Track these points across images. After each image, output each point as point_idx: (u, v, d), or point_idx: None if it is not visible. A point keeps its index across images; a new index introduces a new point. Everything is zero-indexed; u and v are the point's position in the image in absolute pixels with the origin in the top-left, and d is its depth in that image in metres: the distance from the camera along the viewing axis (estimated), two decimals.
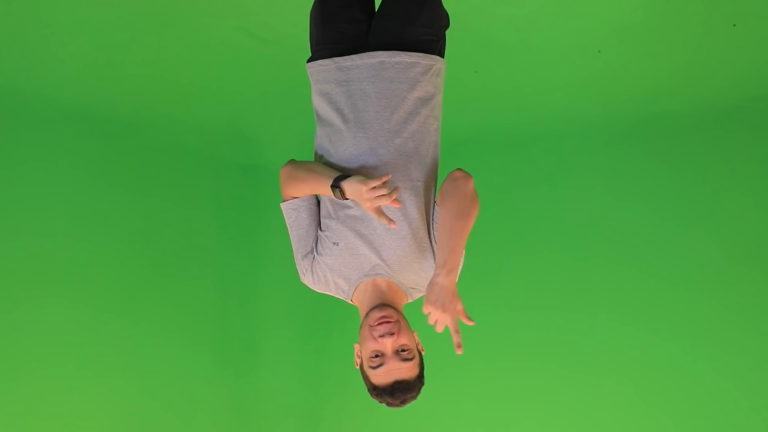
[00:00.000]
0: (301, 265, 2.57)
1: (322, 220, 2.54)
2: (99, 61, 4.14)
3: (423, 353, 2.49)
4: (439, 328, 2.26)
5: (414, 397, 2.42)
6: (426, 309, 2.26)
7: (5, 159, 4.29)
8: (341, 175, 2.39)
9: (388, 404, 2.42)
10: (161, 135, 5.01)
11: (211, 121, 5.04)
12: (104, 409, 4.60)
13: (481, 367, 5.01)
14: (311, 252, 2.54)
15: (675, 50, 4.07)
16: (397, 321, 2.39)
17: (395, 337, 2.36)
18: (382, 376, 2.39)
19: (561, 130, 4.97)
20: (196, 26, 3.90)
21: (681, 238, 4.62)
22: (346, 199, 2.37)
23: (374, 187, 2.26)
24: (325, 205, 2.54)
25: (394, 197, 2.25)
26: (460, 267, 2.39)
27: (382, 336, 2.36)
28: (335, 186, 2.36)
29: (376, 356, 2.38)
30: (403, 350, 2.37)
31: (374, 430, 5.23)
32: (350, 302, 2.57)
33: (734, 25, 3.80)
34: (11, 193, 4.29)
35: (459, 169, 2.47)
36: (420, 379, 2.42)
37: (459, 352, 2.19)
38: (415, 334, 2.47)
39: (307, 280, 2.58)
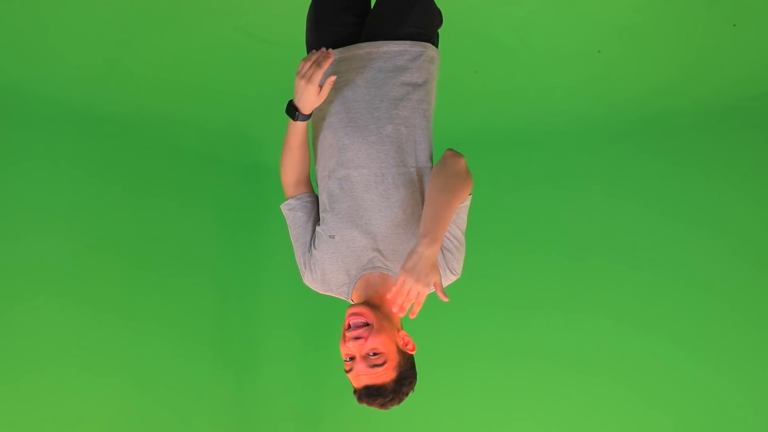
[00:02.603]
0: (301, 264, 2.52)
1: (320, 214, 2.49)
2: (99, 61, 4.13)
3: (412, 353, 2.37)
4: (405, 305, 2.15)
5: (394, 401, 2.33)
6: (400, 276, 2.13)
7: (5, 159, 4.27)
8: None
9: (369, 405, 2.35)
10: (161, 135, 5.00)
11: (211, 121, 5.02)
12: (104, 409, 4.59)
13: (481, 367, 5.00)
14: (308, 249, 2.49)
15: (675, 50, 4.06)
16: (368, 324, 2.28)
17: (362, 341, 2.26)
18: (353, 380, 2.32)
19: (561, 130, 4.96)
20: (196, 26, 3.88)
21: (681, 237, 4.61)
22: (302, 115, 2.43)
23: (305, 63, 2.35)
24: (322, 199, 2.49)
25: (327, 57, 2.33)
26: (442, 242, 2.30)
27: (348, 340, 2.28)
28: (291, 112, 2.44)
29: (349, 359, 2.31)
30: (373, 354, 2.27)
31: (374, 431, 5.24)
32: (351, 302, 2.48)
33: (734, 25, 3.80)
34: (11, 193, 4.28)
35: (450, 149, 2.42)
36: (398, 383, 2.31)
37: (412, 316, 2.16)
38: (400, 333, 2.35)
39: (307, 279, 2.52)
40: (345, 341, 2.28)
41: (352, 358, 2.28)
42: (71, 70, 4.19)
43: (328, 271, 2.45)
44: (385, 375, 2.28)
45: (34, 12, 3.64)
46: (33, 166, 4.37)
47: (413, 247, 2.17)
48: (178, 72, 4.32)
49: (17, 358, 4.22)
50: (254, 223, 5.60)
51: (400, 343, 2.33)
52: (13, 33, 3.80)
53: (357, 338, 2.25)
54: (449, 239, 2.36)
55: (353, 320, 2.28)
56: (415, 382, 2.38)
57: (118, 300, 4.73)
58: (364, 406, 2.35)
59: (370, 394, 2.29)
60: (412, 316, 2.20)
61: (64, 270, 4.47)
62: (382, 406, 2.32)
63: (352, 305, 2.33)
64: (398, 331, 2.34)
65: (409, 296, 2.14)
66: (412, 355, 2.38)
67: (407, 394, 2.35)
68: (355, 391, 2.33)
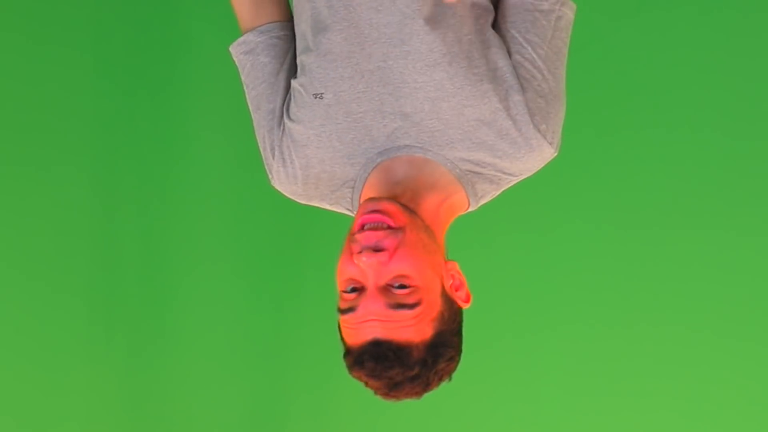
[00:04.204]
0: (266, 149, 1.67)
1: (298, 58, 1.64)
2: None
3: (465, 306, 1.52)
4: None
5: (417, 384, 1.47)
6: None
7: None
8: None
9: (366, 384, 1.47)
10: None
11: None
12: None
13: (569, 333, 3.57)
14: (278, 122, 1.66)
15: None
16: (399, 227, 1.43)
17: (384, 256, 1.41)
18: (351, 330, 1.44)
19: None
20: None
21: None
22: None
23: None
24: (301, 31, 1.63)
25: None
26: None
27: (360, 252, 1.40)
28: None
29: (351, 290, 1.43)
30: (399, 286, 1.42)
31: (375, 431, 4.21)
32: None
33: None
34: None
35: None
36: (433, 348, 1.45)
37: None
38: (449, 266, 1.50)
39: (277, 177, 1.66)
40: (351, 253, 1.42)
41: (356, 289, 1.43)
42: None
43: (315, 160, 1.61)
44: (415, 327, 1.43)
45: None
46: None
47: None
48: None
49: None
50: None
51: (448, 282, 1.49)
52: None
53: (377, 250, 1.40)
54: (528, 60, 1.57)
55: (371, 218, 1.43)
56: (458, 361, 1.51)
57: None
58: (361, 380, 1.45)
59: (380, 356, 1.41)
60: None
61: None
62: (395, 387, 1.44)
63: (369, 199, 1.48)
64: (446, 261, 1.50)
65: None
66: (461, 312, 1.51)
67: (441, 379, 1.48)
68: (350, 350, 1.44)
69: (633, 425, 3.62)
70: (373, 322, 1.41)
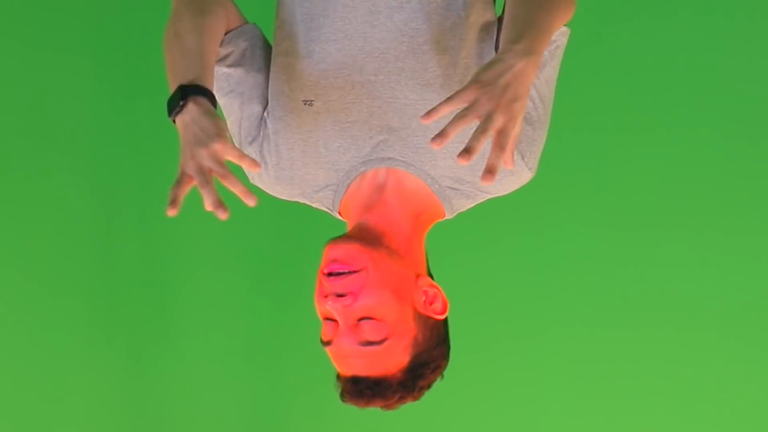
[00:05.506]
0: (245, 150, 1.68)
1: (275, 58, 1.63)
2: None
3: (441, 318, 1.54)
4: (451, 128, 1.25)
5: (405, 399, 1.55)
6: (468, 91, 1.27)
7: None
8: (195, 84, 1.41)
9: (359, 407, 1.58)
10: None
11: None
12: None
13: (560, 336, 3.55)
14: (259, 124, 1.64)
15: None
16: (361, 270, 1.48)
17: (350, 299, 1.47)
18: (334, 360, 1.54)
19: None
20: None
21: None
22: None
23: (218, 150, 1.33)
24: (287, 34, 1.63)
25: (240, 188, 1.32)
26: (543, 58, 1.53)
27: (325, 296, 1.48)
28: (177, 99, 1.40)
29: (327, 320, 1.52)
30: (364, 318, 1.48)
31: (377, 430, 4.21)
32: (338, 216, 1.69)
33: None
34: None
35: None
36: (411, 372, 1.52)
37: (486, 181, 1.22)
38: (420, 282, 1.53)
39: (258, 177, 1.69)
40: (322, 295, 1.49)
41: (331, 320, 1.52)
42: None
43: (300, 163, 1.63)
44: (389, 360, 1.50)
45: None
46: None
47: (496, 54, 1.36)
48: None
49: None
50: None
51: (420, 300, 1.52)
52: None
53: (340, 295, 1.47)
54: (530, 100, 1.58)
55: (333, 268, 1.49)
56: (446, 365, 1.57)
57: None
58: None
59: (359, 393, 1.50)
60: (463, 161, 1.24)
61: None
62: (384, 409, 1.54)
63: (332, 240, 1.53)
64: (417, 277, 1.52)
65: (465, 113, 1.26)
66: (441, 322, 1.55)
67: (430, 385, 1.55)
68: (338, 379, 1.54)
69: (632, 426, 3.62)
70: (348, 359, 1.49)
